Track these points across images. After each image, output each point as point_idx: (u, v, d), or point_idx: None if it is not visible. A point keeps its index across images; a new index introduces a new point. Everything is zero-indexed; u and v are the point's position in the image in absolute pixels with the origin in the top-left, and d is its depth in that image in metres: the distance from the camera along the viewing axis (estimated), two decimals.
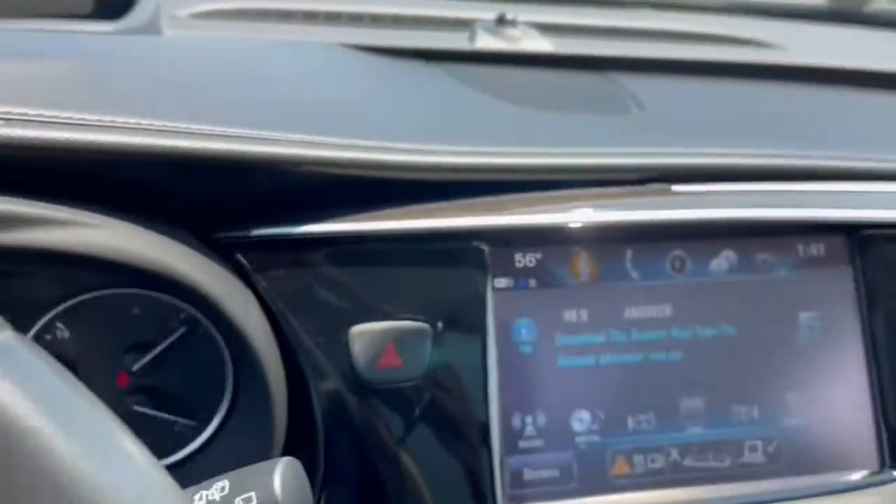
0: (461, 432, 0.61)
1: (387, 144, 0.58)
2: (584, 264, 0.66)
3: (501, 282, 0.64)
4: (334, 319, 0.59)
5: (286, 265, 0.58)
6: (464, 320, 0.62)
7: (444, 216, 0.61)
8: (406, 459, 0.60)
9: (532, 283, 0.64)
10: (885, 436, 0.68)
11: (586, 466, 0.63)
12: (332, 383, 0.59)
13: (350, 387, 0.59)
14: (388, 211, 0.61)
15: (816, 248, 0.70)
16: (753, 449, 0.66)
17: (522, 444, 0.63)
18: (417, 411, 0.60)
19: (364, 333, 0.59)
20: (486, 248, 0.63)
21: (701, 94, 0.91)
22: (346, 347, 0.59)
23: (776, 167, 0.71)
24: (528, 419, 0.63)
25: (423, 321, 0.60)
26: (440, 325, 0.60)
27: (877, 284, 0.70)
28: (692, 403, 0.66)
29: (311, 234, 0.58)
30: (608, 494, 0.63)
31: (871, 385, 0.69)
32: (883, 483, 0.67)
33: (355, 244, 0.60)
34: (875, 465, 0.68)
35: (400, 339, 0.60)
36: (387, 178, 0.59)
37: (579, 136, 0.73)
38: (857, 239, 0.70)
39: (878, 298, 0.69)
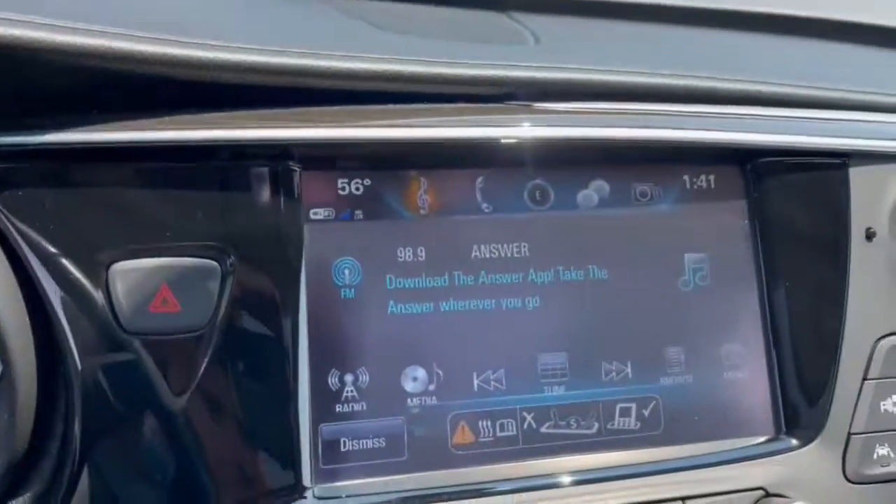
0: (260, 395, 0.49)
1: (151, 35, 0.46)
2: (423, 193, 0.54)
3: (319, 212, 0.52)
4: (89, 254, 0.46)
5: (23, 183, 0.46)
6: (267, 257, 0.50)
7: (243, 126, 0.49)
8: (188, 430, 0.48)
9: (358, 214, 0.53)
10: (780, 397, 0.58)
11: (421, 435, 0.52)
12: (88, 335, 0.46)
13: (111, 338, 0.46)
14: (166, 118, 0.48)
15: (705, 179, 0.60)
16: (626, 413, 0.56)
17: (340, 408, 0.51)
18: (202, 369, 0.48)
19: (130, 272, 0.47)
20: (298, 168, 0.51)
21: (607, 32, 0.81)
22: (105, 289, 0.47)
23: (660, 86, 0.60)
24: (348, 378, 0.51)
25: (210, 258, 0.48)
26: (231, 261, 0.49)
27: (774, 222, 0.60)
28: (552, 359, 0.55)
29: (59, 143, 0.46)
30: (447, 469, 0.52)
31: (766, 338, 0.59)
32: (779, 452, 0.57)
33: (119, 159, 0.47)
34: (770, 431, 0.58)
35: (178, 278, 0.48)
36: (161, 77, 0.47)
37: (435, 51, 0.62)
38: (752, 168, 0.60)
39: (775, 238, 0.59)
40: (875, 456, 0.57)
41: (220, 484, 0.48)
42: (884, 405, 0.58)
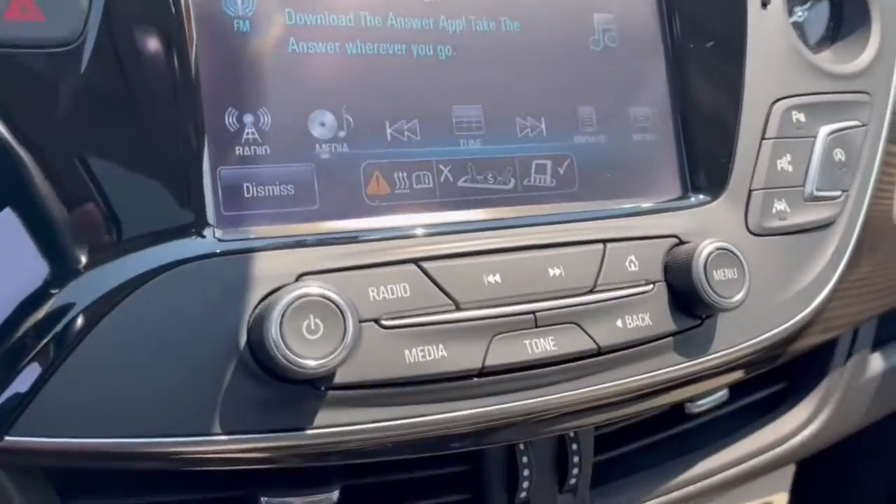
0: (149, 128, 0.42)
1: None
2: None
3: None
4: None
5: None
6: None
7: None
8: (66, 164, 0.41)
9: None
10: (686, 156, 0.58)
11: (332, 183, 0.48)
12: None
13: None
14: None
15: None
16: (541, 169, 0.54)
17: (241, 150, 0.46)
18: (74, 91, 0.41)
19: None
20: None
21: None
22: None
23: None
24: (248, 118, 0.46)
25: None
26: None
27: None
28: (467, 112, 0.52)
29: None
30: (361, 217, 0.48)
31: (673, 100, 0.59)
32: (688, 207, 0.56)
33: None
34: (678, 191, 0.58)
35: None
36: None
37: None
38: None
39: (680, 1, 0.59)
40: (773, 210, 0.58)
41: (105, 219, 0.41)
42: (780, 163, 0.59)
